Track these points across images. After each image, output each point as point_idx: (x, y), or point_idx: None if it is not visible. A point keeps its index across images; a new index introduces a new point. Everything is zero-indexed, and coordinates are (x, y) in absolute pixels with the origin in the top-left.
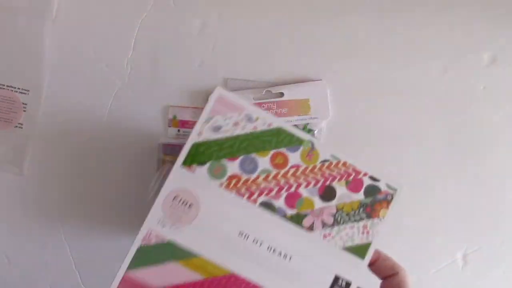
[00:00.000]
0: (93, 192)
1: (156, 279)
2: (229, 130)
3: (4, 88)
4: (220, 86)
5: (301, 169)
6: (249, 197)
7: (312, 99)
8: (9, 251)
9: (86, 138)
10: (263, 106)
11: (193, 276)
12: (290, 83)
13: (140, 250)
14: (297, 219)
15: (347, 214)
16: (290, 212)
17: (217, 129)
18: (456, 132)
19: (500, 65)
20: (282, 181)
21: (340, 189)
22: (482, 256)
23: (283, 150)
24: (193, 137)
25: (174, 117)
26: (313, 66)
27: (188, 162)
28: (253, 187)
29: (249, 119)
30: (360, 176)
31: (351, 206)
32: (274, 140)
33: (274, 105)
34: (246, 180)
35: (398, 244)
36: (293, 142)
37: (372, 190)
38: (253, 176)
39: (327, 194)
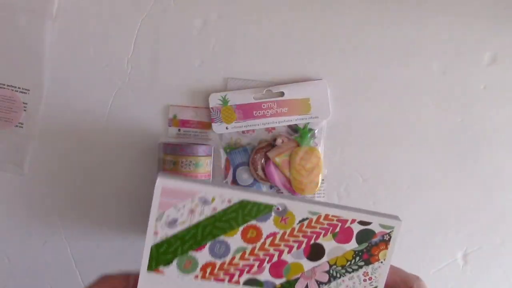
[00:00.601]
0: (94, 191)
1: None
2: (186, 221)
3: (4, 88)
4: (161, 175)
5: (278, 236)
6: (230, 280)
7: (313, 99)
8: (9, 250)
9: (87, 138)
10: (264, 106)
11: None
12: (290, 83)
13: None
14: (289, 286)
15: (343, 267)
16: (279, 281)
17: (172, 223)
18: (456, 131)
19: (501, 65)
20: (261, 254)
21: (328, 244)
22: (482, 256)
23: (253, 222)
24: (149, 240)
25: (175, 116)
26: (313, 65)
27: (153, 266)
28: (231, 269)
29: (205, 201)
30: (348, 224)
31: (344, 258)
32: (240, 215)
33: (274, 105)
34: (222, 264)
35: (398, 244)
36: (261, 211)
37: (365, 236)
38: (228, 258)
39: (314, 253)
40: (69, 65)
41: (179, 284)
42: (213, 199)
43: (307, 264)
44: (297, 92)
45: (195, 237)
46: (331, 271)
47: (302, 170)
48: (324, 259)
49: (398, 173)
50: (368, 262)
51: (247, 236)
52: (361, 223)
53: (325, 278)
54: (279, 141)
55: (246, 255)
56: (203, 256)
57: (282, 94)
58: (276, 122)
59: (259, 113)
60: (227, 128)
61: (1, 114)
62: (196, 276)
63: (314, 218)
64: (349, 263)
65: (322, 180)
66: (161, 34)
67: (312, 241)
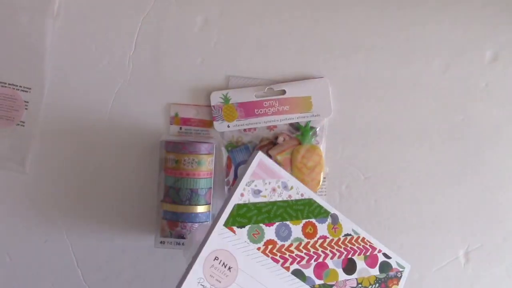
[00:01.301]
0: (95, 189)
1: None
2: (267, 196)
3: (6, 86)
4: (260, 154)
5: (328, 241)
6: (283, 264)
7: (314, 97)
8: (11, 249)
9: (88, 135)
10: (265, 104)
11: None
12: (292, 81)
13: None
14: None
15: None
16: (318, 282)
17: (257, 193)
18: (457, 129)
19: (502, 63)
20: (312, 251)
21: (360, 263)
22: (484, 254)
23: (313, 220)
24: (235, 198)
25: (176, 114)
26: (315, 63)
27: (230, 223)
28: (287, 254)
29: (285, 187)
30: (376, 252)
31: (368, 280)
32: (306, 210)
33: (276, 103)
34: (281, 247)
35: (400, 242)
36: (321, 213)
37: (385, 267)
38: (287, 243)
39: (349, 267)
40: (70, 63)
41: (244, 249)
42: (291, 188)
43: (342, 275)
44: (299, 90)
45: (269, 213)
46: None
47: (303, 168)
48: (355, 275)
49: (399, 171)
50: None
51: (306, 230)
52: (385, 255)
53: None
54: (280, 139)
55: (301, 247)
56: (270, 232)
57: (283, 92)
58: (277, 120)
59: (261, 111)
60: (228, 126)
61: (3, 113)
62: (259, 248)
63: (355, 237)
64: (370, 286)
65: (324, 178)
66: (162, 32)
67: (350, 256)
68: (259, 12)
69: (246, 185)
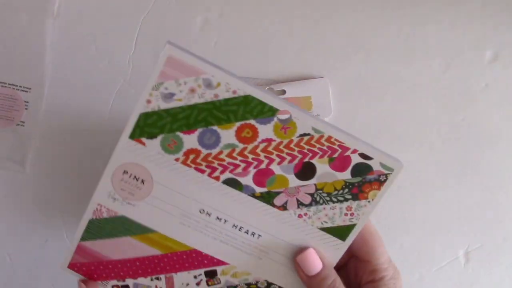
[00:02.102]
0: (95, 189)
1: (113, 251)
2: (183, 99)
3: (5, 86)
4: (171, 42)
5: (274, 144)
6: (210, 174)
7: (314, 97)
8: (10, 249)
9: (88, 136)
10: None
11: (151, 251)
12: (292, 81)
13: (92, 223)
14: (268, 198)
15: (328, 195)
16: (259, 190)
17: (168, 97)
18: (457, 129)
19: (502, 63)
20: (250, 157)
21: (321, 167)
22: (484, 254)
23: (252, 121)
24: (140, 106)
25: None
26: (315, 63)
27: (137, 135)
28: (215, 163)
29: (209, 84)
30: (348, 153)
31: (333, 186)
32: (241, 110)
33: None
34: (207, 155)
35: (400, 242)
36: (264, 112)
37: (361, 170)
38: (215, 151)
39: (305, 172)
40: (70, 63)
41: (157, 161)
42: (218, 85)
43: (293, 181)
44: (299, 90)
45: (188, 119)
46: (315, 195)
47: None
48: (313, 181)
49: None
50: (355, 197)
51: (242, 134)
52: (362, 155)
53: (307, 200)
54: None
55: (235, 154)
56: (190, 140)
57: (283, 92)
58: None
59: None
60: None
61: (2, 113)
62: (177, 159)
63: (316, 136)
64: (336, 192)
65: None
66: (162, 31)
67: (306, 159)
68: (259, 12)
69: (152, 89)
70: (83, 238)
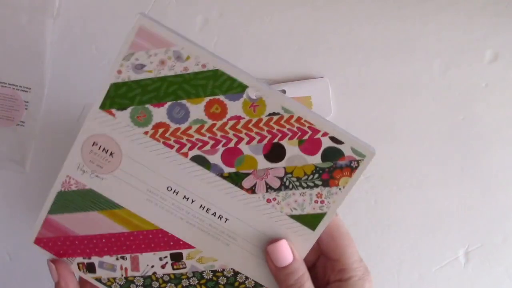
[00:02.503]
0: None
1: (80, 227)
2: (153, 71)
3: (5, 86)
4: (142, 13)
5: (242, 122)
6: (178, 150)
7: (314, 97)
8: (10, 248)
9: None
10: None
11: (118, 228)
12: (291, 81)
13: (60, 195)
14: (236, 179)
15: (298, 179)
16: (228, 170)
17: (139, 68)
18: (457, 129)
19: (502, 62)
20: (219, 135)
21: (291, 149)
22: (484, 254)
23: (221, 97)
24: (111, 77)
25: None
26: (315, 63)
27: (107, 105)
28: (184, 139)
29: (179, 57)
30: (318, 135)
31: (303, 170)
32: (210, 84)
33: None
34: (176, 130)
35: (399, 242)
36: (233, 88)
37: (332, 154)
38: (184, 126)
39: (274, 153)
40: (70, 63)
41: (126, 134)
42: (187, 58)
43: (263, 163)
44: (299, 90)
45: (157, 91)
46: (284, 179)
47: None
48: (282, 163)
49: (399, 170)
50: (325, 184)
51: (210, 110)
52: (333, 139)
53: (276, 184)
54: None
55: (203, 130)
56: (159, 114)
57: (283, 92)
58: None
59: None
60: None
61: (2, 113)
62: (146, 132)
63: (286, 116)
64: (306, 177)
65: None
66: None
67: (275, 140)
68: (259, 12)
69: (123, 59)
70: (51, 211)
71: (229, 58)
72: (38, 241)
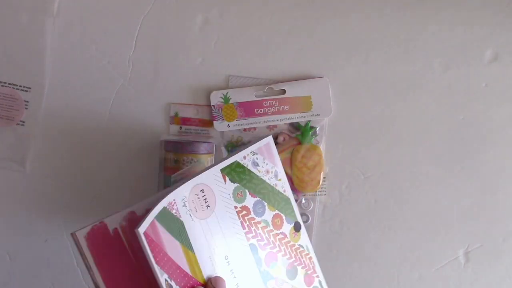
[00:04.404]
0: (95, 189)
1: (168, 246)
2: (261, 172)
3: (6, 86)
4: (271, 138)
5: (285, 240)
6: (247, 233)
7: (314, 96)
8: (10, 248)
9: (88, 135)
10: (265, 103)
11: (186, 267)
12: (292, 80)
13: (164, 210)
14: (265, 276)
15: None
16: (264, 268)
17: (255, 164)
18: (457, 128)
19: (502, 62)
20: (271, 239)
21: (300, 275)
22: (484, 254)
23: (283, 216)
24: (239, 157)
25: (176, 114)
26: (315, 63)
27: (225, 171)
28: (253, 228)
29: (276, 175)
30: (314, 275)
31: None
32: (282, 204)
33: (276, 102)
34: (252, 218)
35: (400, 242)
36: (291, 215)
37: None
38: (258, 219)
39: (292, 272)
40: (70, 63)
41: (225, 200)
42: (280, 179)
43: (283, 275)
44: (299, 89)
45: (256, 186)
46: None
47: (303, 168)
48: (292, 282)
49: (399, 170)
50: None
51: (275, 220)
52: (319, 282)
53: None
54: (280, 139)
55: (266, 230)
56: (250, 201)
57: (283, 92)
58: (277, 120)
59: (261, 111)
60: (228, 126)
61: (3, 113)
62: (236, 207)
63: (305, 252)
64: None
65: (324, 177)
66: (162, 31)
67: (295, 264)
68: (259, 12)
69: (251, 153)
70: (157, 217)
71: (229, 58)
72: (146, 235)
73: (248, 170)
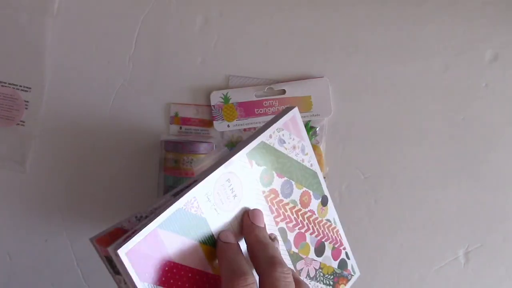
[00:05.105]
0: (95, 189)
1: (176, 252)
2: (288, 149)
3: (6, 86)
4: (297, 110)
5: (313, 217)
6: (275, 217)
7: (314, 96)
8: (11, 248)
9: (88, 135)
10: (265, 103)
11: (207, 266)
12: (292, 80)
13: (178, 213)
14: (295, 258)
15: (323, 275)
16: (294, 249)
17: (282, 142)
18: (458, 128)
19: (502, 62)
20: (299, 219)
21: (328, 250)
22: (484, 254)
23: (310, 192)
24: (264, 137)
25: (176, 114)
26: (315, 63)
27: (251, 155)
28: (281, 210)
29: (303, 150)
30: (341, 247)
31: (327, 269)
32: (310, 180)
33: (276, 102)
34: (280, 201)
35: (400, 242)
36: (318, 190)
37: (343, 264)
38: (286, 200)
39: (320, 249)
40: (70, 62)
41: (252, 186)
42: (307, 153)
43: (312, 253)
44: (299, 89)
45: (283, 165)
46: (317, 272)
47: None
48: (320, 259)
49: (399, 170)
50: (333, 286)
51: (303, 198)
52: (346, 254)
53: (312, 274)
54: None
55: (294, 210)
56: (277, 183)
57: (283, 91)
58: None
59: (261, 110)
60: (228, 126)
61: (3, 112)
62: (263, 192)
63: (333, 225)
64: (327, 275)
65: (324, 178)
66: (162, 31)
67: (323, 240)
68: (259, 12)
69: (276, 130)
70: (162, 226)
71: (229, 58)
72: (130, 254)
73: (275, 149)
